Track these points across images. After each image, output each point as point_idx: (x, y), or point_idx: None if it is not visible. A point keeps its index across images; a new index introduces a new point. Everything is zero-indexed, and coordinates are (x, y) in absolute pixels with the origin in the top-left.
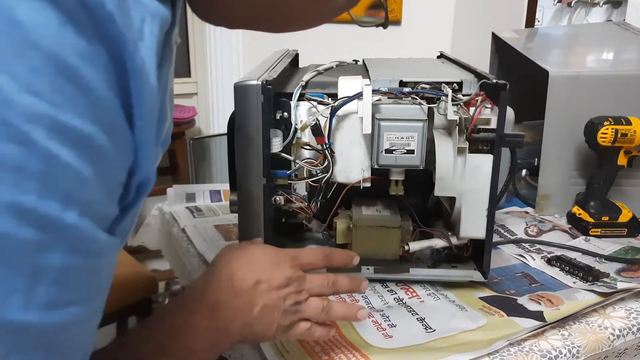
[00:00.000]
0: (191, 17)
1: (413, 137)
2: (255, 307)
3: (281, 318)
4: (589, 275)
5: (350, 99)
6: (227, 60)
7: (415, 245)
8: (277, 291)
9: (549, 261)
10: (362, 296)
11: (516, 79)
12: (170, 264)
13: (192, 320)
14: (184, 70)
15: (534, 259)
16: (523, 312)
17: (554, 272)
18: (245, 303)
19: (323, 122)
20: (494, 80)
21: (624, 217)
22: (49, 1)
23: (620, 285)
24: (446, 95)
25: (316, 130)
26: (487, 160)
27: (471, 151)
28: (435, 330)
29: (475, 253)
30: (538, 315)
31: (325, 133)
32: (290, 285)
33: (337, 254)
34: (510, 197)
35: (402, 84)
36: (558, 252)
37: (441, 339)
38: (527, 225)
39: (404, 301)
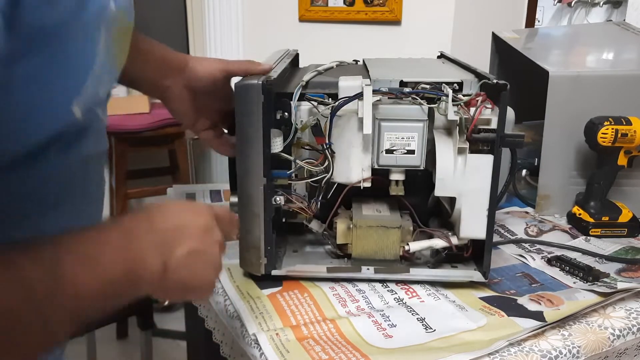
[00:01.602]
0: (191, 17)
1: (413, 137)
2: (179, 248)
3: (208, 266)
4: (589, 275)
5: (350, 99)
6: None
7: (415, 245)
8: (201, 237)
9: (549, 261)
10: (363, 296)
11: (516, 79)
12: None
13: (103, 235)
14: None
15: (534, 259)
16: (523, 312)
17: (554, 272)
18: (165, 242)
19: (323, 122)
20: (494, 81)
21: (624, 217)
22: None
23: (620, 285)
24: (446, 96)
25: (316, 130)
26: (487, 160)
27: (471, 151)
28: (435, 330)
29: (475, 253)
30: (538, 315)
31: (326, 133)
32: (210, 234)
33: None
34: (510, 197)
35: (403, 84)
36: (558, 252)
37: (441, 339)
38: (527, 225)
39: (404, 301)
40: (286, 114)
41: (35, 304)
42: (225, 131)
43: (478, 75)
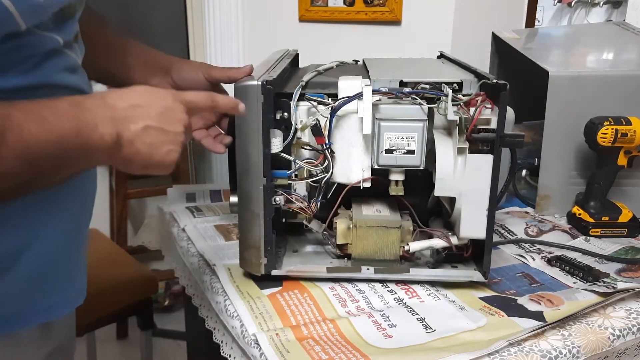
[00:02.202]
0: (191, 17)
1: (413, 137)
2: (134, 124)
3: (167, 142)
4: (589, 275)
5: (350, 99)
6: (227, 60)
7: (415, 245)
8: (158, 116)
9: (549, 261)
10: (363, 296)
11: (516, 79)
12: (170, 264)
13: (53, 103)
14: None
15: (534, 259)
16: (523, 312)
17: (554, 272)
18: (118, 117)
19: (323, 122)
20: (494, 81)
21: (624, 217)
22: None
23: (620, 286)
24: (446, 96)
25: (316, 130)
26: (487, 160)
27: (471, 151)
28: (435, 330)
29: (475, 253)
30: (538, 316)
31: (325, 133)
32: (170, 114)
33: (222, 98)
34: (510, 197)
35: (402, 84)
36: (558, 252)
37: (441, 339)
38: (527, 225)
39: (404, 301)
40: (286, 114)
41: None
42: (222, 132)
43: (478, 75)
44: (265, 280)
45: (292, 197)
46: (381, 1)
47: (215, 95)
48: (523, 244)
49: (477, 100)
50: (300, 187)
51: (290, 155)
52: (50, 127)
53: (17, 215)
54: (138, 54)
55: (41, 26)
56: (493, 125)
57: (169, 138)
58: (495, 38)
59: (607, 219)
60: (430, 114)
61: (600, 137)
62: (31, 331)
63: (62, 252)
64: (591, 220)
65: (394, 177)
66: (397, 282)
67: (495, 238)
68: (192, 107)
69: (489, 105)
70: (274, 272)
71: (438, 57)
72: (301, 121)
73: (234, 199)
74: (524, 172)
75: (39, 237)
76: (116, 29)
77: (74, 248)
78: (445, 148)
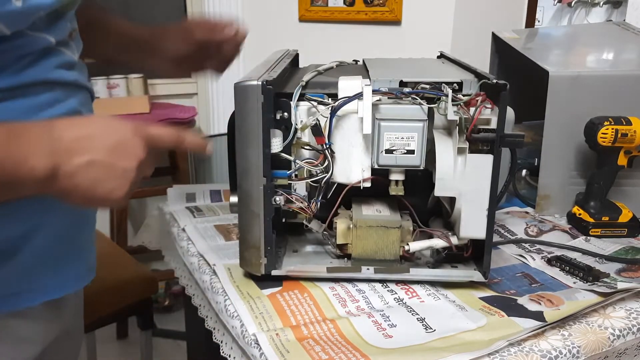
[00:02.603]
0: (191, 17)
1: (413, 137)
2: (77, 157)
3: (113, 178)
4: (589, 275)
5: (350, 99)
6: None
7: (415, 245)
8: (108, 151)
9: (549, 261)
10: (363, 296)
11: (516, 79)
12: (170, 264)
13: None
14: None
15: (534, 259)
16: (523, 312)
17: (554, 272)
18: (60, 149)
19: (323, 122)
20: (494, 80)
21: (624, 217)
22: None
23: (621, 285)
24: (446, 95)
25: (316, 130)
26: (487, 160)
27: (471, 151)
28: (435, 330)
29: (475, 253)
30: (538, 315)
31: (325, 133)
32: (124, 148)
33: (189, 136)
34: (510, 197)
35: (402, 84)
36: (558, 252)
37: (441, 339)
38: (527, 225)
39: (404, 301)
40: (286, 114)
41: None
42: None
43: (478, 75)
44: (265, 280)
45: (292, 197)
46: (381, 1)
47: (183, 134)
48: (523, 244)
49: (477, 100)
50: (300, 187)
51: (290, 155)
52: None
53: (25, 200)
54: (132, 36)
55: (32, 27)
56: (493, 125)
57: (117, 174)
58: (495, 38)
59: (607, 219)
60: (430, 114)
61: (600, 137)
62: (41, 309)
63: (70, 231)
64: (591, 220)
65: (394, 177)
66: (397, 282)
67: (495, 238)
68: (155, 143)
69: (489, 105)
70: (274, 272)
71: (438, 57)
72: (301, 121)
73: (234, 199)
74: (524, 172)
75: (47, 218)
76: (109, 12)
77: (82, 227)
78: (445, 148)
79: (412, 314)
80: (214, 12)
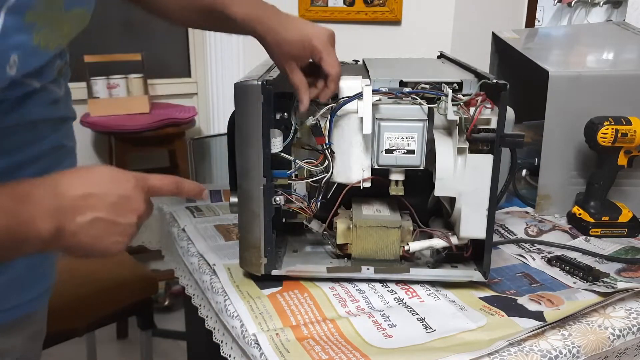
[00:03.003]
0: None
1: (413, 137)
2: (81, 216)
3: (115, 234)
4: (589, 275)
5: (350, 99)
6: (227, 60)
7: (415, 245)
8: (111, 208)
9: (549, 261)
10: (363, 296)
11: (516, 79)
12: (170, 264)
13: None
14: (184, 70)
15: (534, 259)
16: (523, 312)
17: (554, 272)
18: (64, 209)
19: (323, 122)
20: (494, 80)
21: (624, 217)
22: None
23: (620, 285)
24: (446, 95)
25: (316, 130)
26: (487, 160)
27: (471, 151)
28: (435, 330)
29: (475, 253)
30: (538, 315)
31: (325, 133)
32: (125, 204)
33: (187, 183)
34: (510, 197)
35: (402, 84)
36: (558, 252)
37: (441, 339)
38: (527, 225)
39: (404, 301)
40: (286, 114)
41: None
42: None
43: (478, 75)
44: (265, 280)
45: (292, 197)
46: (381, 1)
47: (181, 181)
48: (523, 244)
49: (477, 100)
50: (300, 187)
51: (291, 155)
52: None
53: None
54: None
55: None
56: (493, 125)
57: (118, 230)
58: (495, 38)
59: (607, 219)
60: (430, 114)
61: (600, 137)
62: (15, 321)
63: (34, 260)
64: (591, 220)
65: (394, 177)
66: (397, 282)
67: (495, 238)
68: (154, 193)
69: (489, 105)
70: (274, 272)
71: (438, 57)
72: (301, 121)
73: (234, 199)
74: (524, 172)
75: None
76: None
77: (49, 255)
78: (445, 148)
79: (412, 314)
80: None
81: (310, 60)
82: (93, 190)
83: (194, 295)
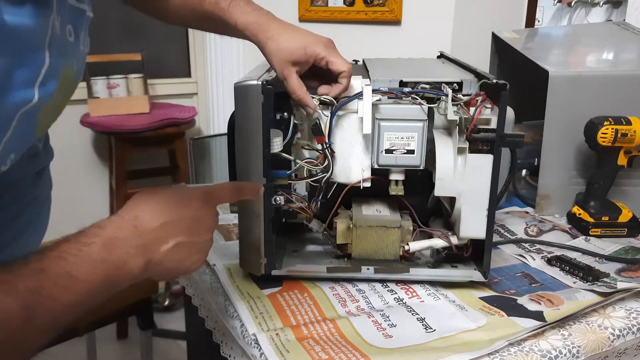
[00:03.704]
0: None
1: (413, 137)
2: (164, 245)
3: (194, 253)
4: (589, 275)
5: (350, 99)
6: (227, 60)
7: (415, 245)
8: (187, 230)
9: (549, 261)
10: (363, 296)
11: (516, 79)
12: None
13: (84, 250)
14: (184, 70)
15: (534, 259)
16: (523, 312)
17: (554, 272)
18: (149, 243)
19: (323, 122)
20: (494, 80)
21: (624, 217)
22: None
23: (620, 285)
24: (446, 95)
25: (316, 129)
26: (487, 160)
27: (471, 151)
28: (435, 330)
29: (475, 253)
30: (538, 315)
31: (326, 133)
32: (199, 224)
33: (247, 188)
34: (510, 197)
35: (402, 84)
36: (558, 252)
37: (441, 339)
38: (527, 225)
39: (404, 301)
40: (286, 114)
41: (10, 330)
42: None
43: (478, 75)
44: (265, 280)
45: (292, 197)
46: (381, 1)
47: (240, 185)
48: (523, 244)
49: (477, 100)
50: (300, 187)
51: (291, 155)
52: (79, 286)
53: None
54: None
55: None
56: (493, 125)
57: (197, 248)
58: (495, 38)
59: (607, 218)
60: (430, 114)
61: (600, 137)
62: None
63: None
64: (591, 220)
65: (394, 177)
66: (397, 282)
67: (495, 238)
68: (220, 202)
69: (489, 105)
70: (274, 272)
71: (438, 57)
72: (301, 122)
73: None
74: (524, 172)
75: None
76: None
77: None
78: (445, 148)
79: (412, 313)
80: None
81: (312, 65)
82: (169, 218)
83: (193, 295)
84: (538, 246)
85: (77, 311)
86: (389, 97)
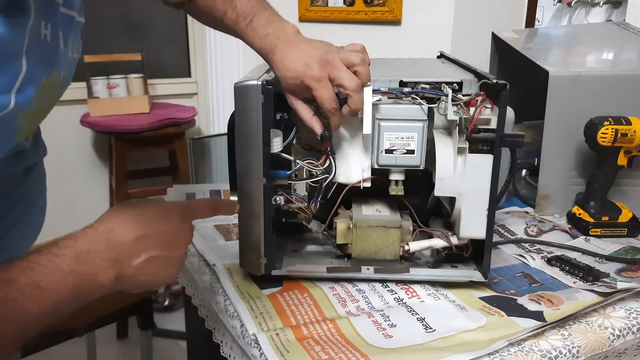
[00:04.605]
0: (191, 18)
1: (413, 137)
2: (136, 259)
3: (168, 267)
4: (589, 275)
5: None
6: (227, 60)
7: (415, 245)
8: (162, 245)
9: (549, 261)
10: (363, 296)
11: (516, 79)
12: None
13: (54, 262)
14: (184, 70)
15: (534, 259)
16: (523, 312)
17: (554, 272)
18: (122, 256)
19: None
20: (494, 80)
21: (624, 217)
22: None
23: (620, 285)
24: (446, 95)
25: (326, 138)
26: (487, 160)
27: (471, 151)
28: (435, 330)
29: (475, 253)
30: (538, 315)
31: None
32: (175, 238)
33: (224, 205)
34: (510, 197)
35: (402, 84)
36: (558, 252)
37: (441, 339)
38: (527, 225)
39: (404, 301)
40: (286, 114)
41: None
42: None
43: (478, 75)
44: (265, 280)
45: (292, 197)
46: (381, 1)
47: (217, 202)
48: (523, 244)
49: (477, 100)
50: (300, 187)
51: (291, 155)
52: (47, 297)
53: None
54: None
55: None
56: (493, 125)
57: (172, 262)
58: (495, 38)
59: (607, 218)
60: (430, 114)
61: (600, 137)
62: None
63: None
64: (591, 220)
65: (394, 177)
66: (397, 282)
67: (495, 238)
68: (196, 218)
69: (489, 105)
70: (274, 272)
71: (438, 57)
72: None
73: (234, 199)
74: (524, 172)
75: None
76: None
77: None
78: (445, 148)
79: (412, 313)
80: None
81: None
82: (144, 232)
83: (194, 295)
84: (538, 246)
85: (45, 320)
86: (389, 97)
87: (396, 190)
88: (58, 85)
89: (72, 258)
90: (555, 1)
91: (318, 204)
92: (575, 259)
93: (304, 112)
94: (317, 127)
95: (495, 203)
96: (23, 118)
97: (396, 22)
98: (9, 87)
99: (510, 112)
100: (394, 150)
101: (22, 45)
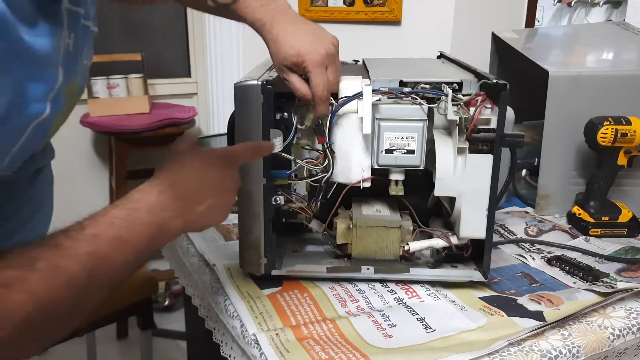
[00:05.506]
0: (191, 17)
1: (413, 137)
2: (199, 206)
3: (222, 211)
4: (589, 275)
5: (350, 99)
6: (227, 60)
7: (415, 245)
8: (217, 192)
9: (549, 261)
10: (363, 296)
11: (516, 79)
12: (170, 264)
13: (132, 215)
14: (184, 70)
15: (534, 259)
16: (523, 312)
17: (554, 272)
18: (186, 205)
19: (323, 121)
20: (494, 80)
21: (624, 217)
22: None
23: (620, 285)
24: (446, 95)
25: (318, 129)
26: (487, 160)
27: (471, 151)
28: (435, 330)
29: (475, 253)
30: (538, 315)
31: (326, 133)
32: (225, 185)
33: (263, 147)
34: (510, 197)
35: (402, 84)
36: (558, 252)
37: (441, 339)
38: (527, 225)
39: (404, 301)
40: (286, 114)
41: (75, 290)
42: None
43: (478, 75)
44: (265, 280)
45: (292, 197)
46: (381, 1)
47: (258, 145)
48: (523, 244)
49: (477, 100)
50: (300, 187)
51: (291, 155)
52: (129, 248)
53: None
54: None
55: None
56: (493, 125)
57: (226, 206)
58: (495, 38)
59: (607, 218)
60: (430, 114)
61: (600, 137)
62: None
63: None
64: (591, 220)
65: (394, 177)
66: (397, 282)
67: (495, 238)
68: (241, 162)
69: (489, 105)
70: (274, 272)
71: (438, 57)
72: (301, 121)
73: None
74: (524, 172)
75: None
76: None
77: None
78: (445, 148)
79: (412, 313)
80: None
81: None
82: (202, 182)
83: (194, 295)
84: (538, 246)
85: (128, 270)
86: (389, 97)
87: (396, 190)
88: (76, 92)
89: (146, 211)
90: (555, 1)
91: (318, 203)
92: (575, 259)
93: (301, 85)
94: (309, 94)
95: (495, 203)
96: (54, 123)
97: (396, 22)
98: (46, 95)
99: (510, 112)
100: (394, 150)
101: (58, 54)
